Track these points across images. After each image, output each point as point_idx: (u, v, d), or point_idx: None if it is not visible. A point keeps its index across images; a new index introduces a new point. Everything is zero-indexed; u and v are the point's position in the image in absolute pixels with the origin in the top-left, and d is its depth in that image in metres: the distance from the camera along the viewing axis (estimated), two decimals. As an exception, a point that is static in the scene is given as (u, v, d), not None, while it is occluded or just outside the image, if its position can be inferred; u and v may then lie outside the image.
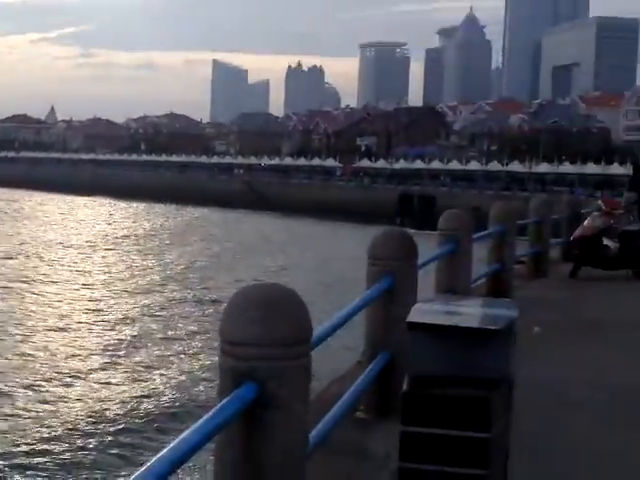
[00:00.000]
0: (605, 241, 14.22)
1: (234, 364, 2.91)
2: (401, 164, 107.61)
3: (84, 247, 48.77)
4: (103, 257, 43.97)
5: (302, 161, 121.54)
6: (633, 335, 9.49)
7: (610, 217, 14.37)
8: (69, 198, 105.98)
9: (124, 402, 16.56)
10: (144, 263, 41.57)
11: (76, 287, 32.28)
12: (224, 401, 2.80)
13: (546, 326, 9.55)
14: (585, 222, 14.47)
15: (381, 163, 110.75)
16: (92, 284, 33.25)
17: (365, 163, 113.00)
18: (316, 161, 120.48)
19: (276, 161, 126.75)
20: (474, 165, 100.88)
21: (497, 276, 11.10)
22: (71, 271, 37.25)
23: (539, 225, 13.78)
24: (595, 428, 6.09)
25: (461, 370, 3.40)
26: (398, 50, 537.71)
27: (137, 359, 20.46)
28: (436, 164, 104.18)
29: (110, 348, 21.51)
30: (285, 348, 2.90)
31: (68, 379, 18.18)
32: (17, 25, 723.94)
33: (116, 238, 55.66)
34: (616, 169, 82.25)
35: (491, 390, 3.33)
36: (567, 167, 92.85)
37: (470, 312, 3.57)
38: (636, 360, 8.24)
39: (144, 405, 16.47)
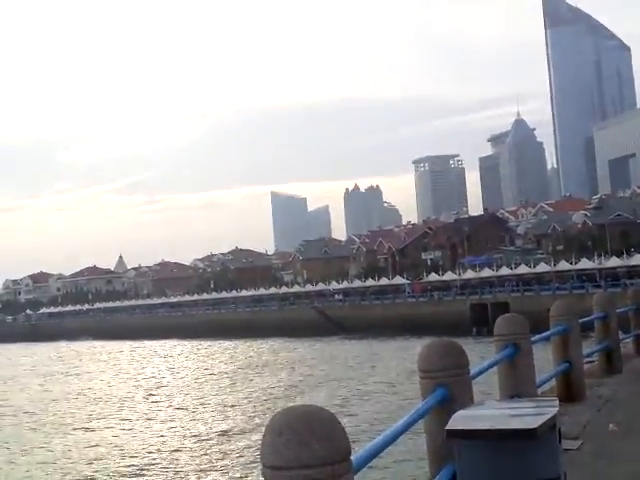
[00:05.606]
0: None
1: (277, 488, 2.97)
2: (469, 274, 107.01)
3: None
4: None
5: (370, 282, 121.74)
6: None
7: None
8: (148, 343, 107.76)
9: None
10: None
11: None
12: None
13: (622, 423, 9.36)
14: (652, 312, 14.26)
15: (449, 275, 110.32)
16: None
17: (433, 277, 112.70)
18: (384, 280, 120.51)
19: (344, 284, 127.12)
20: (543, 267, 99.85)
21: (566, 376, 10.93)
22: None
23: (604, 320, 13.56)
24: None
25: (509, 475, 3.40)
26: (451, 162, 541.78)
27: None
28: (504, 270, 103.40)
29: None
30: (324, 468, 2.95)
31: None
32: (82, 181, 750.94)
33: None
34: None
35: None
36: (637, 259, 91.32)
37: (509, 414, 3.58)
38: None
39: None
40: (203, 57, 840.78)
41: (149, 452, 28.38)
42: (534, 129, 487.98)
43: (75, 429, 35.32)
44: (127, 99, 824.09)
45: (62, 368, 75.26)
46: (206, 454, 27.26)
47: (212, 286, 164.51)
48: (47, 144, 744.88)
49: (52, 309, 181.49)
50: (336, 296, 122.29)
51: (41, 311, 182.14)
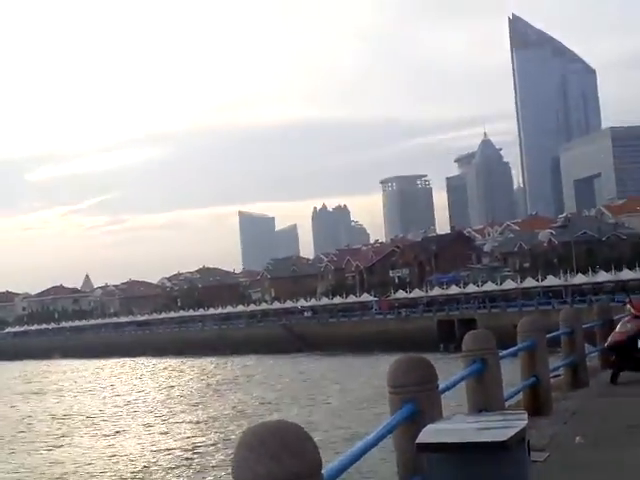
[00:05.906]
0: (640, 344, 14.09)
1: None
2: (436, 291, 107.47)
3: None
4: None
5: (338, 299, 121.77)
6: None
7: (640, 320, 14.28)
8: (115, 361, 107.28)
9: None
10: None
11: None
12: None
13: (588, 435, 9.43)
14: (617, 328, 14.41)
15: (416, 292, 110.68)
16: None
17: (400, 294, 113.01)
18: (352, 298, 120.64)
19: (312, 302, 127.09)
20: (509, 284, 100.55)
21: (534, 390, 11.04)
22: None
23: (571, 335, 13.75)
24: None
25: (478, 486, 3.42)
26: (419, 182, 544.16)
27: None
28: (471, 287, 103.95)
29: None
30: (296, 483, 2.95)
31: None
32: (48, 201, 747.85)
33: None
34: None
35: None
36: (603, 275, 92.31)
37: (478, 427, 3.61)
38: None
39: None
40: (169, 77, 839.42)
41: (117, 470, 28.18)
42: (500, 149, 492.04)
43: (42, 447, 34.97)
44: (94, 119, 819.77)
45: (28, 387, 74.51)
46: (177, 468, 27.12)
47: (179, 304, 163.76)
48: (14, 164, 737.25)
49: (17, 328, 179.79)
50: (304, 314, 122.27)
51: (6, 330, 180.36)
